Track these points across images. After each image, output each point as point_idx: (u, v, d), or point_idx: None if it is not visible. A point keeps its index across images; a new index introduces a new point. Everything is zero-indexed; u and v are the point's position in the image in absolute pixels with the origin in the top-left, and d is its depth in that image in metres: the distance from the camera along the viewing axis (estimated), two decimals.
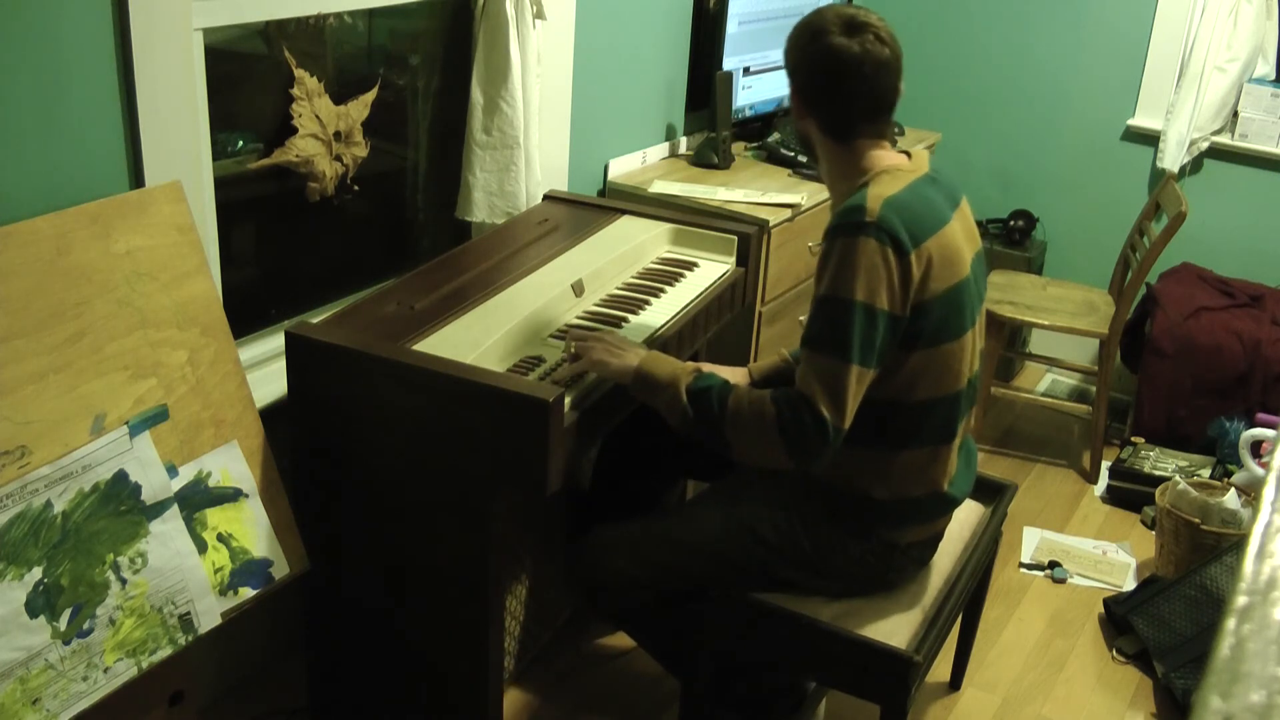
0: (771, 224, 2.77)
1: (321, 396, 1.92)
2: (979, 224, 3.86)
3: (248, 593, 1.78)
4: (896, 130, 3.50)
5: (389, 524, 1.94)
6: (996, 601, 2.81)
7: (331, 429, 1.93)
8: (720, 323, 2.41)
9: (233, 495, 1.78)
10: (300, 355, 1.91)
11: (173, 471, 1.70)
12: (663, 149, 3.27)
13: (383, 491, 1.93)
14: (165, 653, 1.67)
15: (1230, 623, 0.56)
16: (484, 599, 1.89)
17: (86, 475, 1.59)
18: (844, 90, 1.79)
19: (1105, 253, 3.79)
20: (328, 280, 2.51)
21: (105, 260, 1.66)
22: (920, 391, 1.81)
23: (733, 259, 2.45)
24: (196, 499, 1.73)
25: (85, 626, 1.57)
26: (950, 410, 1.85)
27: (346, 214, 2.48)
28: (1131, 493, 3.28)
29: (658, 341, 2.10)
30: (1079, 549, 3.08)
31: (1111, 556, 3.06)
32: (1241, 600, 0.57)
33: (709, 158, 3.15)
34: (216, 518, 1.75)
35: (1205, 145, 3.67)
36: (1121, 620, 2.71)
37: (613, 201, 2.76)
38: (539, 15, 2.50)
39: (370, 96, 2.38)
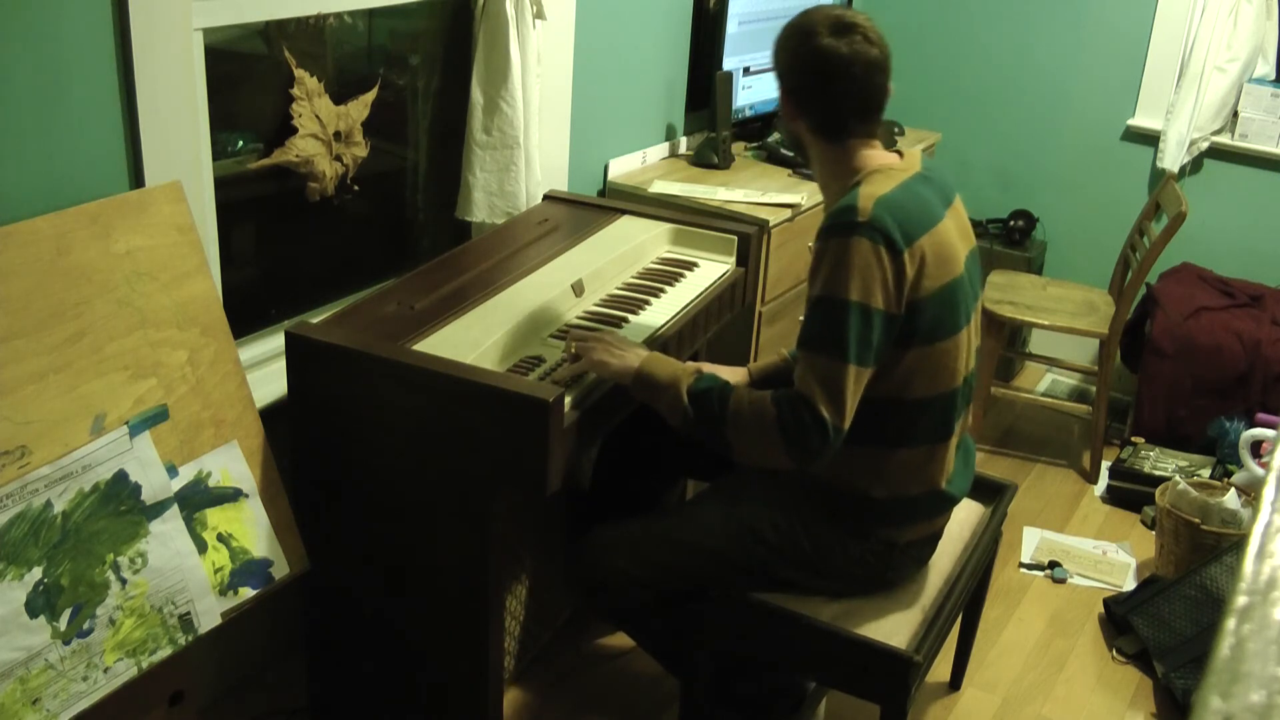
0: (771, 224, 2.77)
1: (321, 396, 1.92)
2: (979, 224, 3.89)
3: (248, 593, 1.78)
4: (896, 130, 3.50)
5: (389, 524, 1.94)
6: (996, 601, 2.81)
7: (331, 429, 1.93)
8: (720, 323, 2.41)
9: (233, 495, 1.78)
10: (300, 355, 1.91)
11: (173, 471, 1.70)
12: (663, 149, 3.27)
13: (383, 491, 1.93)
14: (165, 653, 1.67)
15: (1230, 623, 0.56)
16: (484, 599, 1.89)
17: (86, 475, 1.59)
18: (834, 91, 1.80)
19: (1105, 253, 3.79)
20: (328, 280, 2.51)
21: (105, 260, 1.66)
22: (916, 389, 1.81)
23: (733, 259, 2.45)
24: (196, 499, 1.73)
25: (85, 626, 1.57)
26: (947, 408, 1.86)
27: (346, 214, 2.48)
28: (1131, 493, 3.28)
29: (658, 341, 2.10)
30: (1079, 549, 3.08)
31: (1111, 556, 3.06)
32: (1241, 600, 0.57)
33: (709, 158, 3.15)
34: (216, 518, 1.75)
35: (1205, 145, 3.67)
36: (1121, 620, 2.71)
37: (613, 201, 2.76)
38: (539, 15, 2.50)
39: (370, 96, 2.38)
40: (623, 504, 2.31)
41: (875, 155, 1.85)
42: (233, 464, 1.78)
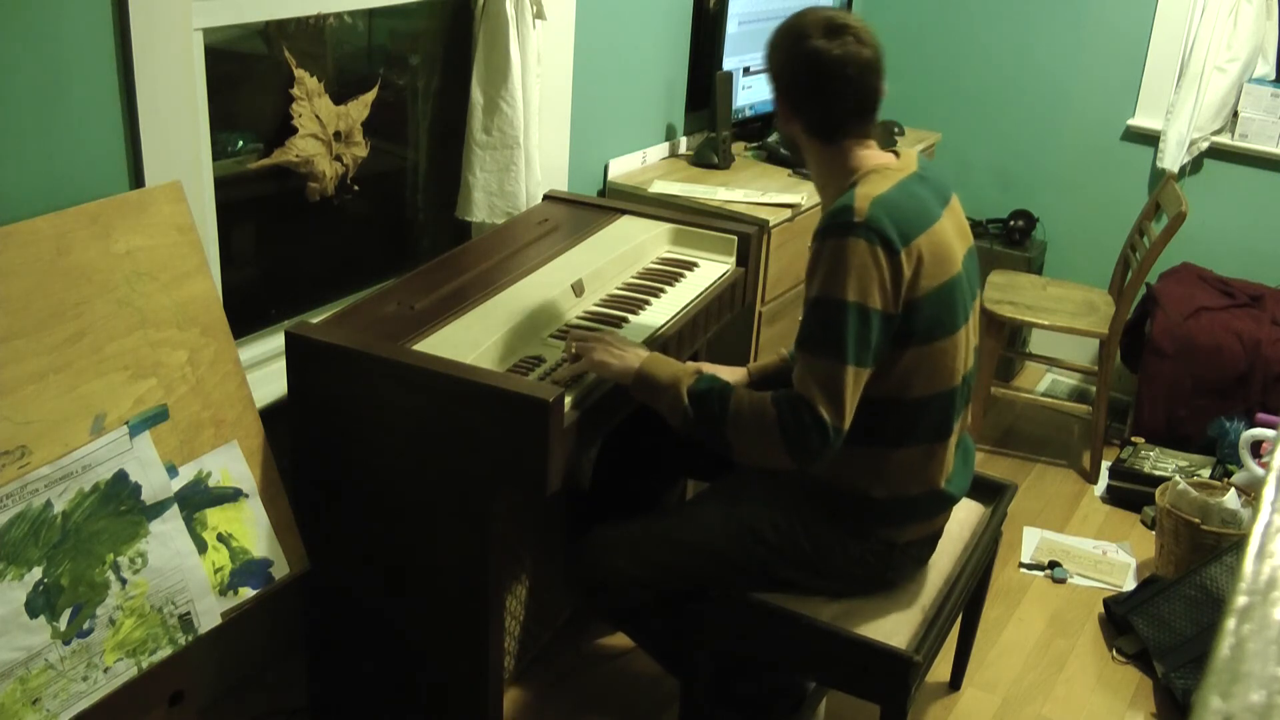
0: (771, 224, 2.77)
1: (321, 396, 1.92)
2: (979, 224, 3.89)
3: (248, 593, 1.78)
4: (896, 130, 3.50)
5: (389, 524, 1.94)
6: (996, 601, 2.81)
7: (331, 429, 1.93)
8: (720, 323, 2.41)
9: (233, 495, 1.78)
10: (300, 355, 1.91)
11: (173, 471, 1.70)
12: (663, 149, 3.27)
13: (383, 491, 1.93)
14: (165, 653, 1.67)
15: (1230, 623, 0.56)
16: (484, 599, 1.89)
17: (86, 475, 1.59)
18: (829, 92, 1.80)
19: (1105, 253, 3.79)
20: (328, 280, 2.51)
21: (105, 260, 1.66)
22: (915, 389, 1.81)
23: (733, 259, 2.45)
24: (196, 499, 1.73)
25: (85, 626, 1.57)
26: (945, 407, 1.86)
27: (346, 214, 2.48)
28: (1131, 493, 3.28)
29: (658, 341, 2.10)
30: (1079, 549, 3.08)
31: (1111, 556, 3.06)
32: (1241, 600, 0.57)
33: (709, 158, 3.15)
34: (216, 518, 1.75)
35: (1205, 145, 3.67)
36: (1121, 620, 2.71)
37: (613, 201, 2.76)
38: (539, 15, 2.50)
39: (370, 96, 2.38)
40: (623, 504, 2.31)
41: (871, 155, 1.85)
42: (233, 464, 1.78)
